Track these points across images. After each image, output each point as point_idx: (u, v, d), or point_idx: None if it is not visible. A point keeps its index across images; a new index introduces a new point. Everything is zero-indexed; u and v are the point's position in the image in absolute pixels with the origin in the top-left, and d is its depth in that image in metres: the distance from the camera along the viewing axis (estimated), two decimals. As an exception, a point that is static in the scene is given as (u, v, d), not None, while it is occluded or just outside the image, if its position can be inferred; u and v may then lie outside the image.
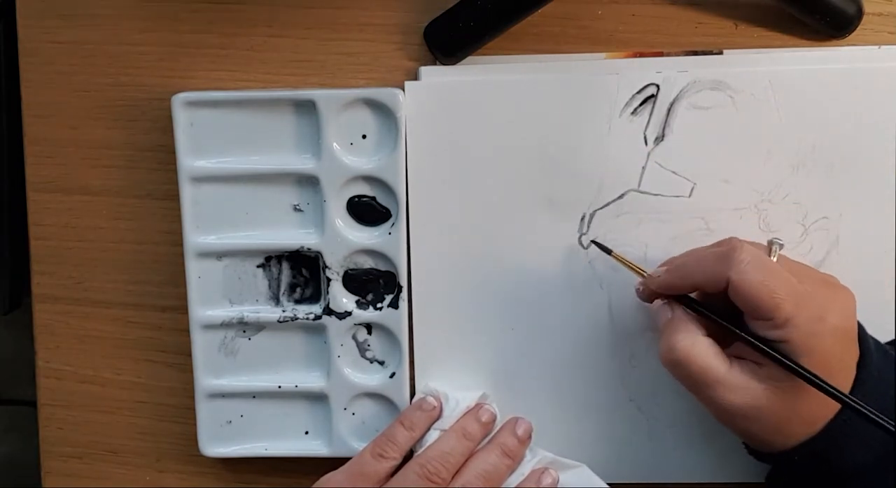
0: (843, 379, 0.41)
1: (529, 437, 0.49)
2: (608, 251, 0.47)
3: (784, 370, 0.40)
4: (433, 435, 0.48)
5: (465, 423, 0.48)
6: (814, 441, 0.41)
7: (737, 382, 0.41)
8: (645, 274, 0.45)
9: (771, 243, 0.43)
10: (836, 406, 0.40)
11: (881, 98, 0.47)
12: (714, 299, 0.43)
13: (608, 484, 0.48)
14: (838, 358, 0.41)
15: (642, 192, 0.49)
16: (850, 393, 0.40)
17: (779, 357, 0.40)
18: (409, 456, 0.48)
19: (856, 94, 0.47)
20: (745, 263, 0.40)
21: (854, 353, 0.42)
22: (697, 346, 0.42)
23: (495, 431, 0.49)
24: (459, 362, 0.50)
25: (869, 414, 0.38)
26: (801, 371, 0.39)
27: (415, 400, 0.50)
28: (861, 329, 0.42)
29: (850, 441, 0.41)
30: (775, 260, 0.42)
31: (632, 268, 0.46)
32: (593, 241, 0.48)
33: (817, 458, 0.41)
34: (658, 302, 0.45)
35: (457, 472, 0.46)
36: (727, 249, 0.41)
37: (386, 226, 0.49)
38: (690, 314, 0.43)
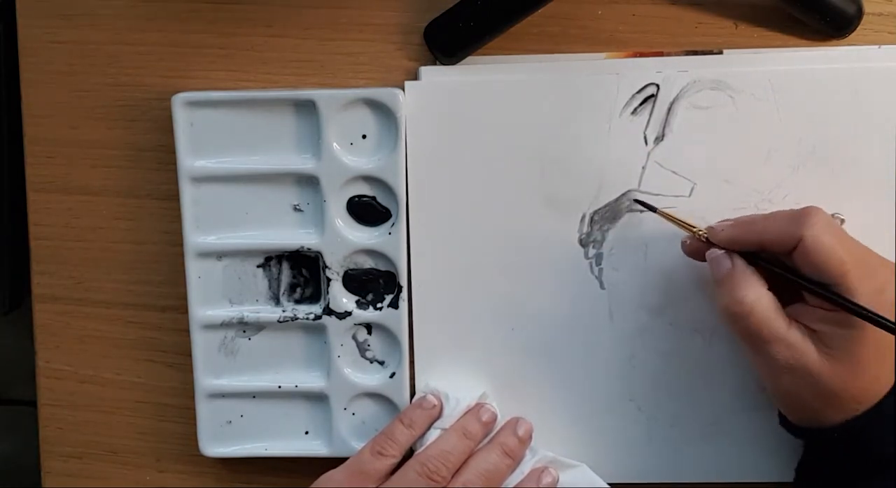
0: None
1: (530, 437, 0.49)
2: (653, 209, 0.47)
3: (840, 341, 0.40)
4: (433, 435, 0.48)
5: (466, 423, 0.48)
6: (858, 420, 0.41)
7: (795, 342, 0.41)
8: (695, 230, 0.45)
9: (833, 217, 0.43)
10: (888, 386, 0.40)
11: (881, 98, 0.47)
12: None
13: (608, 483, 0.48)
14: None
15: (642, 192, 0.49)
16: None
17: (850, 302, 0.39)
18: (409, 455, 0.48)
19: (856, 94, 0.47)
20: (820, 225, 0.40)
21: None
22: (763, 301, 0.41)
23: (496, 431, 0.49)
24: (459, 362, 0.50)
25: None
26: (873, 315, 0.39)
27: (415, 398, 0.50)
28: None
29: None
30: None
31: (681, 225, 0.46)
32: (636, 200, 0.48)
33: (857, 440, 0.41)
34: (714, 251, 0.44)
35: (457, 471, 0.46)
36: (802, 210, 0.41)
37: (386, 226, 0.49)
38: (752, 268, 0.43)
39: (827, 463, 0.43)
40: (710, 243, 0.44)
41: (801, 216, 0.41)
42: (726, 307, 0.42)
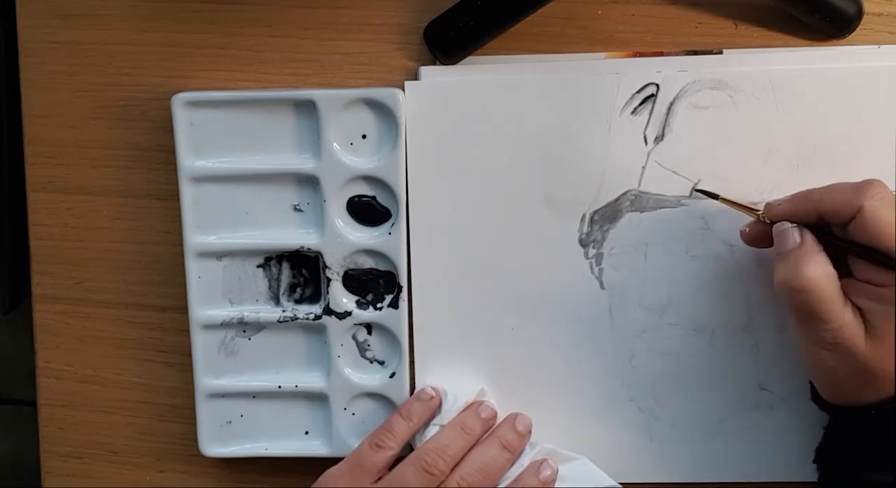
0: None
1: (529, 432, 0.49)
2: (715, 196, 0.47)
3: (884, 319, 0.40)
4: (432, 431, 0.48)
5: (465, 418, 0.48)
6: (892, 400, 0.41)
7: (848, 323, 0.41)
8: (759, 213, 0.45)
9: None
10: None
11: (881, 98, 0.47)
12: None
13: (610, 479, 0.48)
14: None
15: (642, 192, 0.49)
16: None
17: None
18: (409, 451, 0.48)
19: (856, 94, 0.47)
20: (881, 197, 0.40)
21: None
22: (828, 278, 0.41)
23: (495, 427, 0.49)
24: (459, 362, 0.50)
25: None
26: None
27: (414, 392, 0.50)
28: None
29: None
30: None
31: (744, 209, 0.46)
32: (697, 189, 0.48)
33: (889, 420, 0.41)
34: (784, 224, 0.44)
35: (456, 465, 0.46)
36: (863, 182, 0.41)
37: (386, 226, 0.49)
38: (820, 245, 0.42)
39: (855, 441, 0.43)
40: (772, 224, 0.44)
41: (861, 187, 0.41)
42: (787, 280, 0.42)
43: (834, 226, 0.43)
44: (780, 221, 0.44)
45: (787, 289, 0.42)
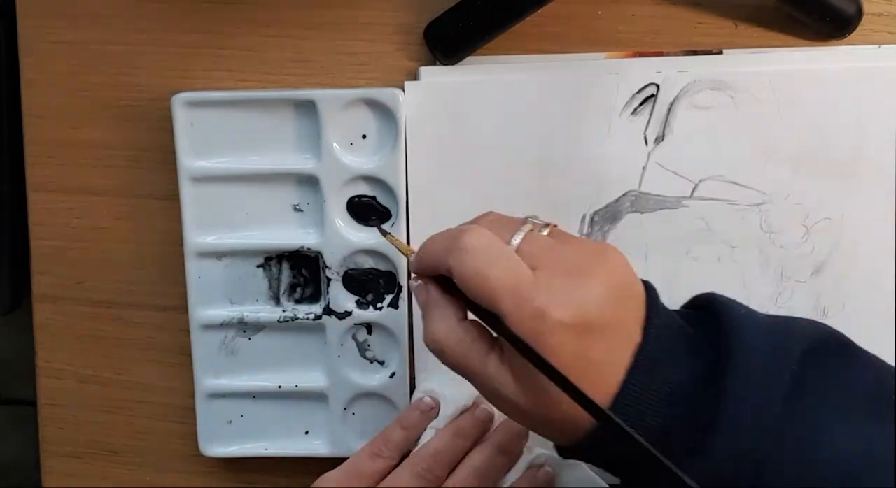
0: (605, 375, 0.34)
1: (526, 436, 0.49)
2: (385, 233, 0.45)
3: (521, 364, 0.34)
4: (429, 434, 0.48)
5: (461, 422, 0.48)
6: (589, 437, 0.35)
7: (492, 375, 0.36)
8: (409, 253, 0.41)
9: (524, 221, 0.38)
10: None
11: (881, 98, 0.47)
12: None
13: (608, 484, 0.48)
14: (578, 355, 0.34)
15: (643, 193, 0.49)
16: (625, 380, 0.34)
17: (532, 350, 0.34)
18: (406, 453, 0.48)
19: (856, 94, 0.47)
20: (466, 251, 0.35)
21: (624, 338, 0.34)
22: (454, 335, 0.36)
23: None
24: (459, 362, 0.50)
25: (622, 427, 0.32)
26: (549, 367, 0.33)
27: (412, 400, 0.50)
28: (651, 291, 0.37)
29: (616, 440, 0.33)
30: (518, 241, 0.36)
31: (399, 249, 0.43)
32: (379, 227, 0.46)
33: (601, 448, 0.36)
34: (415, 280, 0.39)
35: (452, 470, 0.46)
36: (456, 232, 0.36)
37: (386, 227, 0.49)
38: (447, 296, 0.37)
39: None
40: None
41: (453, 239, 0.36)
42: (425, 341, 0.38)
43: None
44: (417, 273, 0.39)
45: (430, 350, 0.38)
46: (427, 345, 0.38)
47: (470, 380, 0.38)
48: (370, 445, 0.47)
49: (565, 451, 0.38)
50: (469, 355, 0.36)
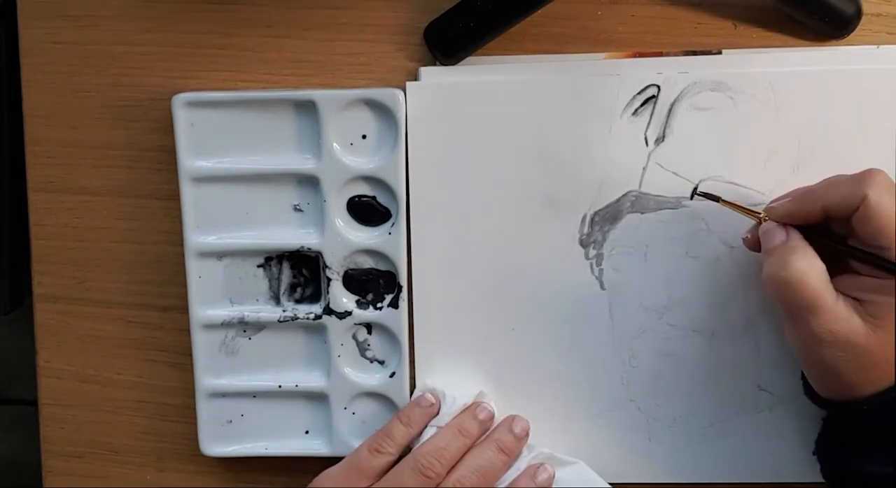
0: None
1: (526, 435, 0.49)
2: (716, 199, 0.46)
3: (887, 310, 0.40)
4: (429, 432, 0.48)
5: (462, 420, 0.48)
6: (890, 391, 0.40)
7: (842, 314, 0.41)
8: (760, 215, 0.45)
9: None
10: None
11: (880, 98, 0.47)
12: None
13: (608, 484, 0.48)
14: None
15: (643, 193, 0.49)
16: None
17: None
18: (407, 452, 0.48)
19: (855, 95, 0.47)
20: (884, 186, 0.40)
21: None
22: (814, 270, 0.41)
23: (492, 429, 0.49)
24: (459, 362, 0.50)
25: None
26: None
27: (413, 396, 0.50)
28: None
29: None
30: None
31: (745, 211, 0.45)
32: (698, 193, 0.47)
33: (887, 411, 0.41)
34: (769, 223, 0.44)
35: (452, 468, 0.46)
36: (865, 172, 0.41)
37: (386, 226, 0.49)
38: (805, 241, 0.42)
39: (853, 435, 0.43)
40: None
41: (863, 177, 0.41)
42: (774, 273, 0.42)
43: (835, 222, 0.43)
44: (784, 222, 0.44)
45: (774, 284, 0.42)
46: (780, 276, 0.42)
47: (807, 318, 0.41)
48: (371, 441, 0.47)
49: (836, 407, 0.43)
50: (826, 291, 0.41)
